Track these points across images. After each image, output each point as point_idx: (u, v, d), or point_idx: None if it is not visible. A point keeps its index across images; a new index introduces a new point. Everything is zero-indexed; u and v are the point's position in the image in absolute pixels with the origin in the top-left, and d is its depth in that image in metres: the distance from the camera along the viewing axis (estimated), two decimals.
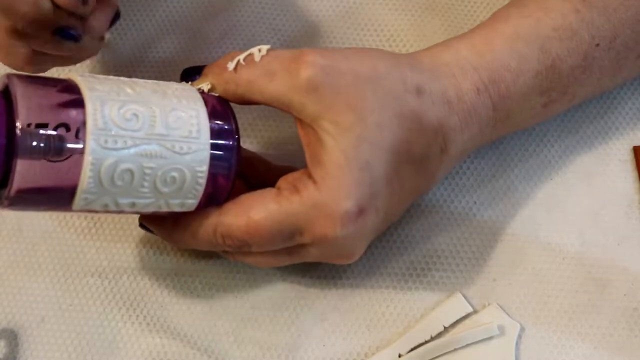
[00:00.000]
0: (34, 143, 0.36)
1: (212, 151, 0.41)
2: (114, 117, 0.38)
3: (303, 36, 0.56)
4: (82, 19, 0.43)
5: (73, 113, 0.38)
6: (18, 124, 0.37)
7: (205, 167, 0.41)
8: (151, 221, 0.45)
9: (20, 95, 0.37)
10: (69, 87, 0.39)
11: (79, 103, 0.38)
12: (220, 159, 0.41)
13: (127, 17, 0.57)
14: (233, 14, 0.56)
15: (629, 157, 0.50)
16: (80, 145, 0.37)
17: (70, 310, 0.48)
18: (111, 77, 0.41)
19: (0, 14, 0.41)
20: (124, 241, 0.50)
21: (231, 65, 0.42)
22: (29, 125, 0.37)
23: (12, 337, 0.47)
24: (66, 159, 0.37)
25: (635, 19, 0.46)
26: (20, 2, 0.40)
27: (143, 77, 0.42)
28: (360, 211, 0.41)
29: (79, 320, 0.47)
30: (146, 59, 0.55)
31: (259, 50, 0.42)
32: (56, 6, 0.41)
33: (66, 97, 0.38)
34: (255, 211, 0.41)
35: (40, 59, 0.45)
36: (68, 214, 0.50)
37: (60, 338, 0.47)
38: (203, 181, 0.41)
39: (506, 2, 0.48)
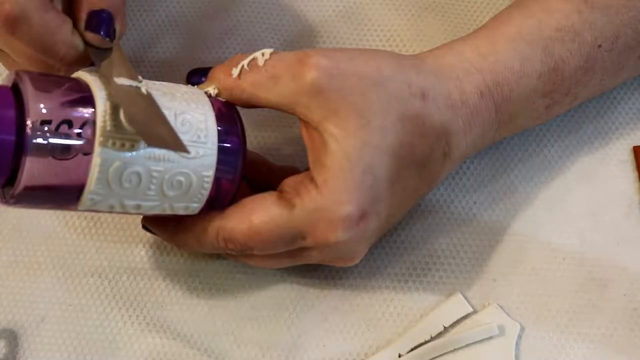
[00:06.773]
0: (43, 141, 0.36)
1: (218, 156, 0.41)
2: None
3: (303, 36, 0.55)
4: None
5: (83, 112, 0.38)
6: (28, 122, 0.36)
7: (211, 172, 0.41)
8: (154, 223, 0.45)
9: (31, 93, 0.37)
10: (80, 86, 0.39)
11: (89, 102, 0.38)
12: (226, 163, 0.41)
13: (127, 17, 0.57)
14: (233, 14, 0.56)
15: (628, 157, 0.50)
16: (88, 145, 0.37)
17: (70, 310, 0.48)
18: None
19: (40, 55, 0.42)
20: (124, 241, 0.50)
21: (235, 72, 0.42)
22: (38, 122, 0.36)
23: (12, 337, 0.47)
24: (73, 157, 0.37)
25: (637, 19, 0.46)
26: (59, 44, 0.41)
27: (143, 77, 0.42)
28: (362, 215, 0.41)
29: (78, 320, 0.47)
30: (146, 59, 0.55)
31: (262, 54, 0.42)
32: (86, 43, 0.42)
33: (76, 95, 0.38)
34: (257, 215, 0.41)
35: None
36: (68, 214, 0.50)
37: (60, 338, 0.47)
38: (209, 185, 0.41)
39: (506, 3, 0.48)
